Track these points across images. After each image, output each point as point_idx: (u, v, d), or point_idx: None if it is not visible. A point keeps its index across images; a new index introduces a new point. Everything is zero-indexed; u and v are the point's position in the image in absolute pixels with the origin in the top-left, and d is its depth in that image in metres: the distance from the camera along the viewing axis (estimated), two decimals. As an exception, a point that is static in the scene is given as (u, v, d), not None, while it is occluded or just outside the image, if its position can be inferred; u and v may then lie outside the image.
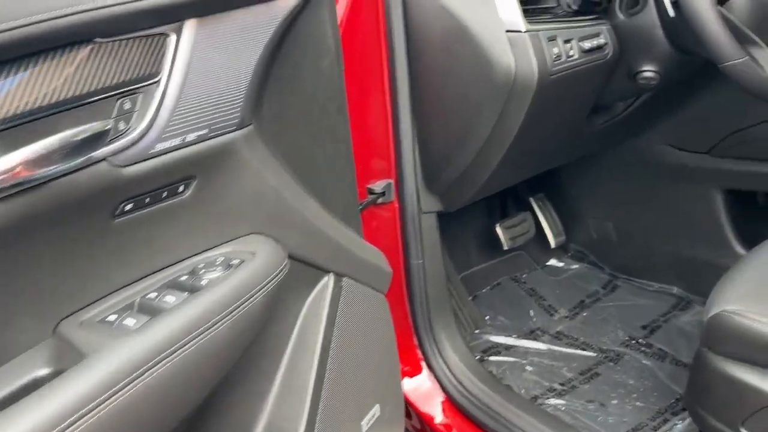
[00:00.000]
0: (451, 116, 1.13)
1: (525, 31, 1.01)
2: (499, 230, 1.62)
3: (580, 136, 1.36)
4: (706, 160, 1.50)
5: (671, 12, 1.06)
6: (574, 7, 1.14)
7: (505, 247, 1.63)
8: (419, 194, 1.22)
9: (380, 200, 1.22)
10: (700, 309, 1.56)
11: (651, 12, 1.10)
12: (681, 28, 1.04)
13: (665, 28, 1.10)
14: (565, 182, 1.76)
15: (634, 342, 1.49)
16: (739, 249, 1.52)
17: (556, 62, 1.05)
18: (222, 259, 0.68)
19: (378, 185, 1.22)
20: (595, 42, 1.11)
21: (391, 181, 1.23)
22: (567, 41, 1.07)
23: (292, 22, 0.69)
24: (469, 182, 1.21)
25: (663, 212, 1.63)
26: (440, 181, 1.22)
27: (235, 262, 0.68)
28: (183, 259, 0.68)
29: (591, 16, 1.15)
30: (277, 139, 0.73)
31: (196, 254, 0.69)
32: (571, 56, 1.08)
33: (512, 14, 1.02)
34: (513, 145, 1.12)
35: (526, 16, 1.04)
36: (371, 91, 1.17)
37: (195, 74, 0.60)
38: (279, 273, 0.70)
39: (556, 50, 1.05)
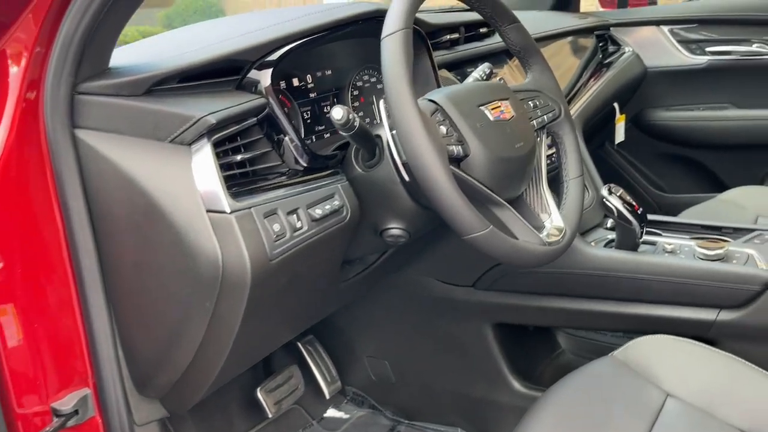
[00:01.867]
0: (153, 314, 0.87)
1: (231, 212, 0.80)
2: (260, 396, 1.37)
3: (335, 290, 1.18)
4: (473, 293, 1.41)
5: (405, 176, 0.92)
6: (303, 165, 0.96)
7: (270, 415, 1.38)
8: (129, 403, 0.94)
9: (71, 422, 0.91)
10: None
11: (389, 166, 0.96)
12: (418, 191, 0.91)
13: (404, 185, 0.96)
14: (336, 320, 1.58)
15: None
16: (516, 385, 1.43)
17: (278, 242, 0.84)
18: None
19: (66, 402, 0.91)
20: (328, 207, 0.93)
21: (88, 390, 0.93)
22: (291, 212, 0.88)
23: None
24: (196, 383, 0.95)
25: (439, 348, 1.50)
26: (155, 386, 0.95)
27: None
28: None
29: (325, 173, 0.99)
30: None
31: None
32: (299, 229, 0.88)
33: (213, 188, 0.80)
34: (240, 339, 0.89)
35: (234, 188, 0.83)
36: (50, 277, 0.88)
37: None
38: None
39: (277, 227, 0.85)
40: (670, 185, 2.24)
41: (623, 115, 2.05)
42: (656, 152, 2.24)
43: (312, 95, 1.15)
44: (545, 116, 1.10)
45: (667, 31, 2.12)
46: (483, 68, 1.19)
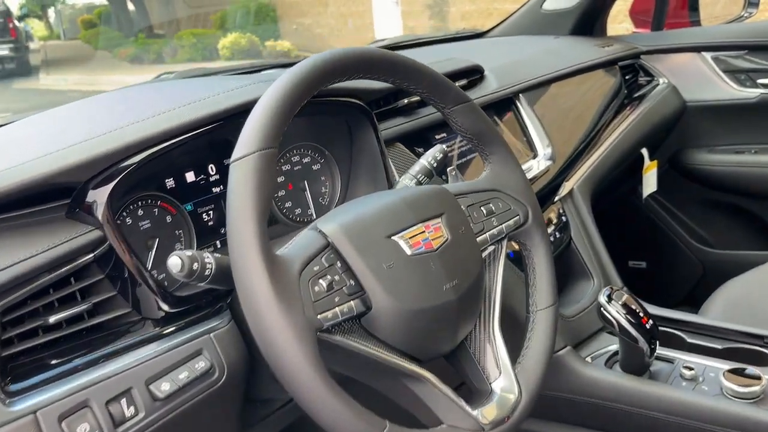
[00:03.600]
0: None
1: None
2: None
3: None
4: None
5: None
6: (166, 311, 0.72)
7: None
8: None
9: None
10: None
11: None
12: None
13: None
14: None
15: None
16: None
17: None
18: None
19: None
20: (185, 374, 0.69)
21: None
22: (119, 397, 0.65)
23: None
24: None
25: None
26: None
27: None
28: None
29: (194, 317, 0.75)
30: None
31: None
32: (129, 419, 0.64)
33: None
34: None
35: (21, 374, 0.60)
36: None
37: None
38: None
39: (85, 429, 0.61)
40: (717, 239, 1.89)
41: (654, 162, 1.73)
42: (699, 199, 1.89)
43: (216, 189, 0.92)
44: (504, 225, 0.83)
45: (711, 58, 1.78)
46: (434, 153, 0.93)
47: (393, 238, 0.69)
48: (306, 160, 1.03)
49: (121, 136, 0.72)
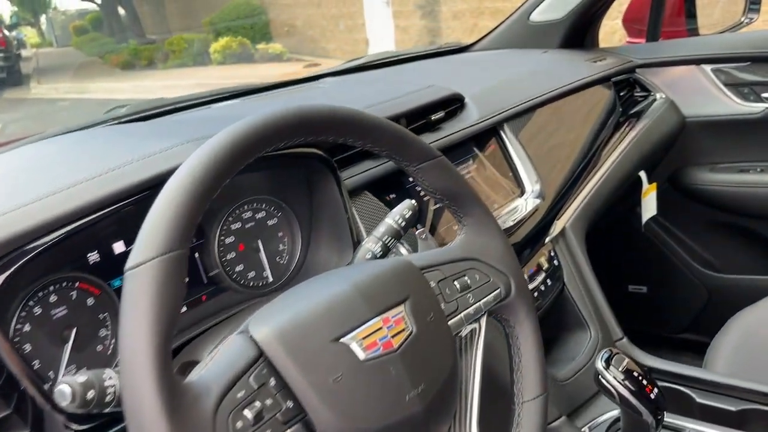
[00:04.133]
0: None
1: None
2: None
3: None
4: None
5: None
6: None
7: None
8: None
9: None
10: None
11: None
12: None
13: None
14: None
15: None
16: None
17: None
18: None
19: None
20: None
21: None
22: None
23: None
24: None
25: None
26: None
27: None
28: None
29: None
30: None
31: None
32: None
33: None
34: None
35: None
36: None
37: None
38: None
39: None
40: (723, 263, 1.77)
41: (654, 185, 1.61)
42: (702, 220, 1.77)
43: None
44: (482, 301, 0.71)
45: (711, 71, 1.66)
46: (402, 211, 0.81)
47: (342, 340, 0.57)
48: (260, 215, 0.91)
49: (11, 222, 0.60)
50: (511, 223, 1.08)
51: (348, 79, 1.51)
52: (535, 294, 1.05)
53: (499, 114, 1.21)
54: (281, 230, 0.92)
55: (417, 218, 0.81)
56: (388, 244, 0.80)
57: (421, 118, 1.10)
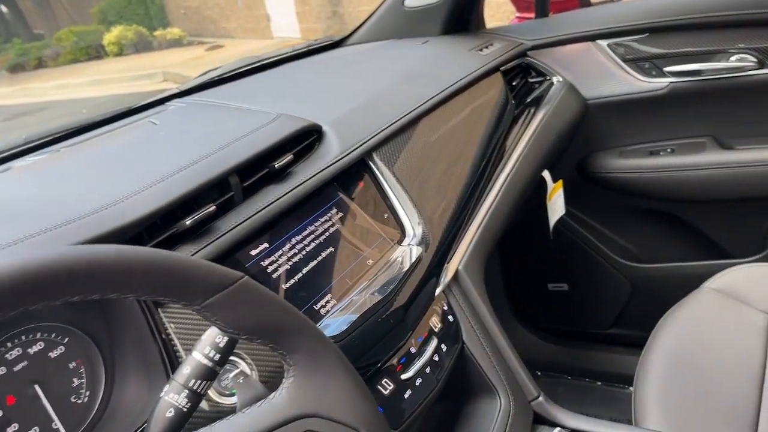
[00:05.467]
0: None
1: None
2: None
3: None
4: None
5: None
6: None
7: None
8: None
9: None
10: None
11: None
12: None
13: None
14: None
15: None
16: None
17: None
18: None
19: None
20: None
21: None
22: None
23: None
24: None
25: None
26: None
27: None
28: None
29: None
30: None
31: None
32: None
33: None
34: None
35: None
36: None
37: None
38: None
39: None
40: (645, 252, 1.63)
41: (559, 183, 1.44)
42: (617, 208, 1.62)
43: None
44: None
45: (607, 46, 1.48)
46: (212, 339, 0.58)
47: None
48: (35, 348, 0.67)
49: None
50: (393, 285, 0.88)
51: (193, 103, 1.25)
52: (428, 369, 0.86)
53: (366, 141, 1.00)
54: (73, 359, 0.69)
55: (233, 347, 0.59)
56: (198, 390, 0.58)
57: (262, 167, 0.87)
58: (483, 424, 0.89)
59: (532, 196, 1.41)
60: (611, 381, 1.70)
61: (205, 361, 0.58)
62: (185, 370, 0.58)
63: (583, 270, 1.68)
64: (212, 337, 0.59)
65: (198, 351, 0.59)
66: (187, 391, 0.58)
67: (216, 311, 0.49)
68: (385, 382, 0.83)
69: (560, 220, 1.61)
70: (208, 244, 0.75)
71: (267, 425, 0.50)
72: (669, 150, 1.49)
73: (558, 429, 0.92)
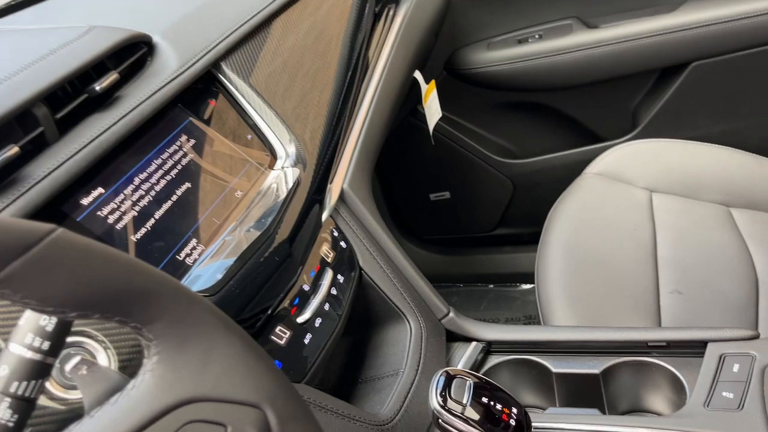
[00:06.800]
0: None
1: None
2: None
3: None
4: None
5: None
6: None
7: None
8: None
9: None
10: None
11: None
12: None
13: None
14: None
15: None
16: None
17: None
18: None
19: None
20: None
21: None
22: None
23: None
24: None
25: None
26: None
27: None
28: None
29: None
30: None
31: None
32: None
33: None
34: None
35: None
36: None
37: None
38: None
39: None
40: (520, 147, 1.59)
41: (432, 83, 1.33)
42: (491, 105, 1.56)
43: None
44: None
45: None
46: (36, 321, 0.42)
47: None
48: None
49: None
50: (272, 217, 0.73)
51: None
52: (326, 306, 0.74)
53: (209, 51, 0.82)
54: None
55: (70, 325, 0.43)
56: (27, 395, 0.42)
57: (79, 93, 0.68)
58: (395, 353, 0.80)
59: (405, 101, 1.30)
60: (503, 282, 1.69)
61: (30, 354, 0.42)
62: (2, 372, 0.42)
63: (464, 175, 1.62)
64: (34, 320, 0.43)
65: (15, 342, 0.42)
66: (9, 399, 0.41)
67: (21, 284, 0.33)
68: (280, 330, 0.70)
69: (435, 127, 1.52)
70: (15, 199, 0.56)
71: (129, 427, 0.36)
72: (537, 36, 1.43)
73: (474, 343, 0.85)
